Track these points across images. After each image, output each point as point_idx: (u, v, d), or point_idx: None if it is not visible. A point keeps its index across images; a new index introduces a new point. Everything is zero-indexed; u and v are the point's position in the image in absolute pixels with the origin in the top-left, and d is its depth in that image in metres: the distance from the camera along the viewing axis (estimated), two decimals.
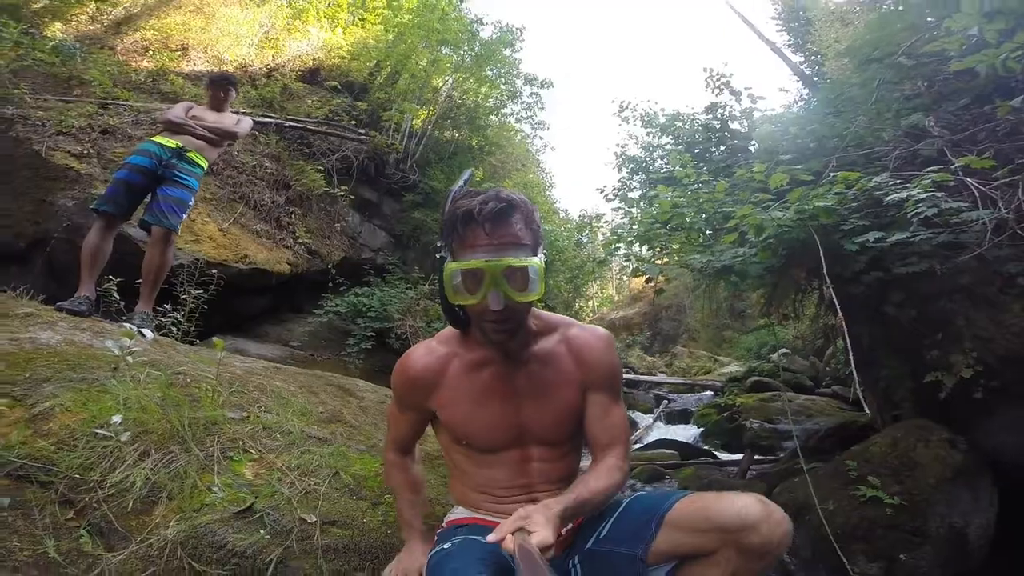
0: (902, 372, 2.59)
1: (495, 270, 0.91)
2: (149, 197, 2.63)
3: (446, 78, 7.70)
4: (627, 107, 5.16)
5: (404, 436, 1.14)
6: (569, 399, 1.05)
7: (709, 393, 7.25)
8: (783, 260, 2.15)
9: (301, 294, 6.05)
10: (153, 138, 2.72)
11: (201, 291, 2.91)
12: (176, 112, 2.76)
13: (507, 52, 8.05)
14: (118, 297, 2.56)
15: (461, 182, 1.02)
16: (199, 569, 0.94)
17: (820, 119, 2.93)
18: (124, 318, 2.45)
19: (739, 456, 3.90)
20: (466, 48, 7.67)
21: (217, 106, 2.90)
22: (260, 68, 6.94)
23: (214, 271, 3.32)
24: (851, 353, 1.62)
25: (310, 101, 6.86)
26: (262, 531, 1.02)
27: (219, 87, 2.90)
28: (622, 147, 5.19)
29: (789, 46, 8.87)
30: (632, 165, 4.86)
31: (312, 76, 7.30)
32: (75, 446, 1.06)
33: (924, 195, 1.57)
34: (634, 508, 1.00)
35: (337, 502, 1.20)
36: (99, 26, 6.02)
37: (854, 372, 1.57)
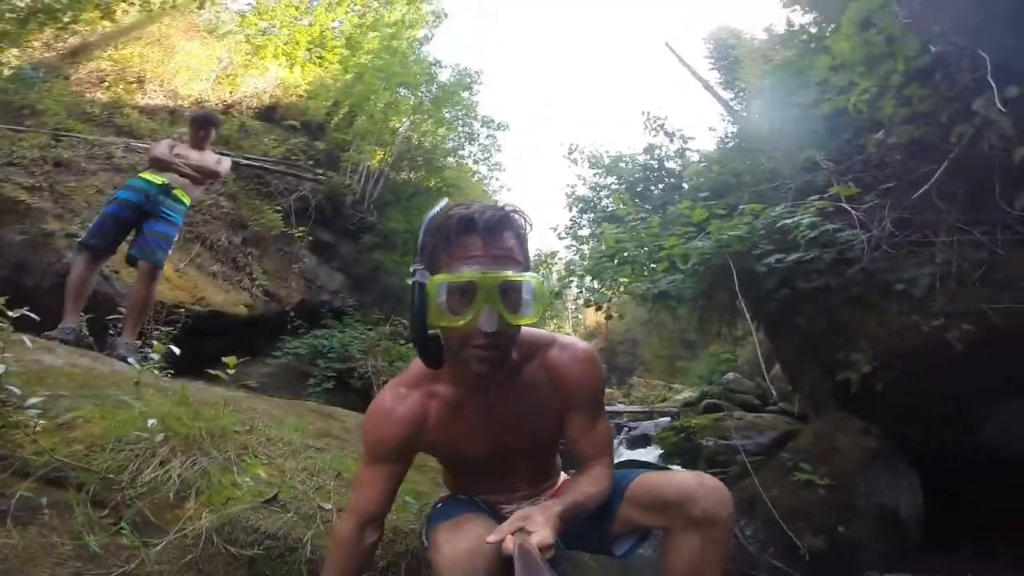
0: (821, 375, 3.00)
1: (491, 284, 0.84)
2: (134, 232, 2.68)
3: (404, 120, 7.82)
4: (575, 150, 5.68)
5: (373, 501, 1.01)
6: (551, 424, 1.06)
7: (666, 419, 7.53)
8: (708, 284, 2.51)
9: (257, 337, 5.90)
10: (141, 174, 2.80)
11: (171, 328, 2.93)
12: (161, 150, 2.85)
13: (464, 95, 8.32)
14: (87, 332, 2.55)
15: (437, 208, 0.97)
16: (235, 552, 1.05)
17: (739, 157, 3.44)
18: (105, 350, 2.45)
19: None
20: (424, 90, 7.87)
21: (198, 145, 2.99)
22: (217, 104, 6.88)
23: (181, 310, 3.32)
24: (760, 356, 1.96)
25: (267, 140, 6.83)
26: (289, 514, 1.15)
27: (200, 127, 3.01)
28: (572, 187, 5.66)
29: (720, 83, 8.91)
30: (581, 204, 5.31)
31: (269, 114, 7.32)
32: (103, 450, 1.16)
33: (807, 220, 1.98)
34: None
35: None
36: (54, 54, 5.81)
37: (764, 372, 1.90)
